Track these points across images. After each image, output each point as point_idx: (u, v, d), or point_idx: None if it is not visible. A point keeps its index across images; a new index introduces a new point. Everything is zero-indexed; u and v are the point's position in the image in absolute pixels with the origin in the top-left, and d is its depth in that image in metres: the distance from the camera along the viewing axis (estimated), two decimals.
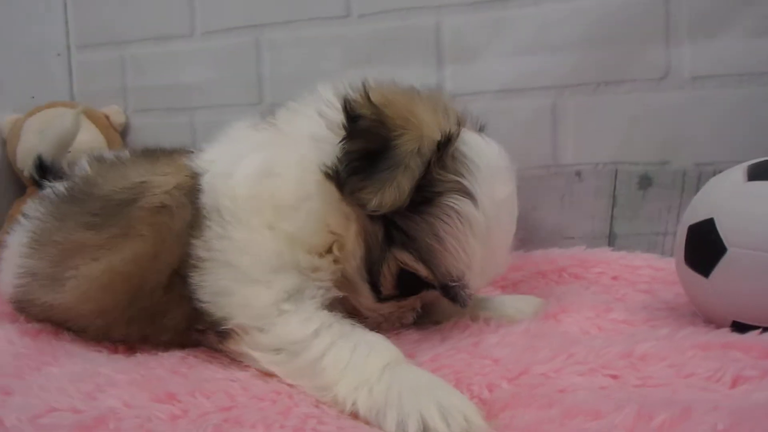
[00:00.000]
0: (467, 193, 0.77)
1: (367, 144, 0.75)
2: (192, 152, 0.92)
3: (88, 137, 1.53)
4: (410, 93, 0.83)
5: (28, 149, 1.51)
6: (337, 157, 0.75)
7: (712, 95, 1.19)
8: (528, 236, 1.32)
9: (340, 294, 0.79)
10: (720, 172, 0.88)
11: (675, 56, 1.21)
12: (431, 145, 0.75)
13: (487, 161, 0.80)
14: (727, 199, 0.81)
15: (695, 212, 0.85)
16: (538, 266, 1.16)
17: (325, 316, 0.74)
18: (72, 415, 0.64)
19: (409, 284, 0.84)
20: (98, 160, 0.98)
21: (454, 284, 0.80)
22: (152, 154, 0.96)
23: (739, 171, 0.82)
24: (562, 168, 1.30)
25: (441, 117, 0.79)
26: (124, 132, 1.66)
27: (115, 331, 0.89)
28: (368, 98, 0.77)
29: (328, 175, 0.76)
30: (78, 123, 1.30)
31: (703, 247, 0.81)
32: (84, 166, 0.97)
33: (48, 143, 1.22)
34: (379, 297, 0.83)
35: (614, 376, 0.69)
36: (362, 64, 1.42)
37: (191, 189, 0.84)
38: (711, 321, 0.84)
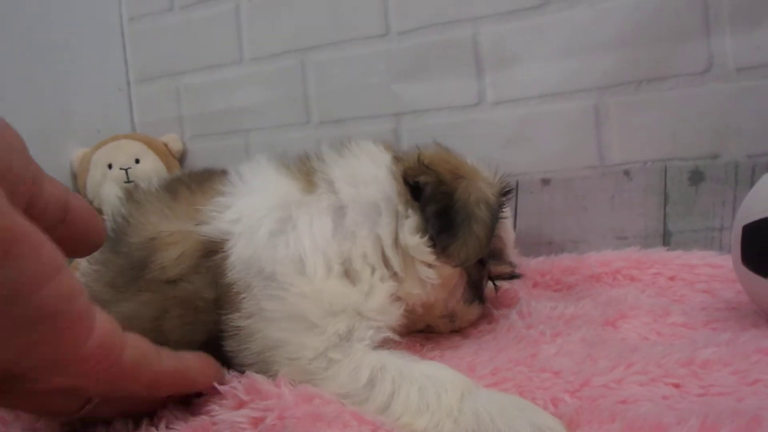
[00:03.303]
0: None
1: (437, 205, 0.82)
2: (224, 176, 0.86)
3: (150, 165, 1.63)
4: (450, 150, 0.93)
5: (95, 182, 1.62)
6: (424, 225, 0.82)
7: (759, 85, 1.16)
8: (580, 238, 1.33)
9: (391, 335, 0.78)
10: None
11: (717, 48, 1.19)
12: (496, 199, 0.86)
13: None
14: None
15: (749, 211, 0.83)
16: (592, 269, 1.15)
17: (375, 359, 0.72)
18: None
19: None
20: (130, 197, 0.91)
21: (514, 266, 0.98)
22: (174, 190, 0.89)
23: None
24: (609, 168, 1.29)
25: (483, 166, 0.92)
26: (182, 158, 1.74)
27: None
28: (423, 163, 0.85)
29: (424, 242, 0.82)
30: None
31: (760, 247, 0.80)
32: (121, 208, 0.91)
33: None
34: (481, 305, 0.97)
35: (676, 385, 0.68)
36: (404, 78, 1.45)
37: (210, 267, 0.78)
38: None
